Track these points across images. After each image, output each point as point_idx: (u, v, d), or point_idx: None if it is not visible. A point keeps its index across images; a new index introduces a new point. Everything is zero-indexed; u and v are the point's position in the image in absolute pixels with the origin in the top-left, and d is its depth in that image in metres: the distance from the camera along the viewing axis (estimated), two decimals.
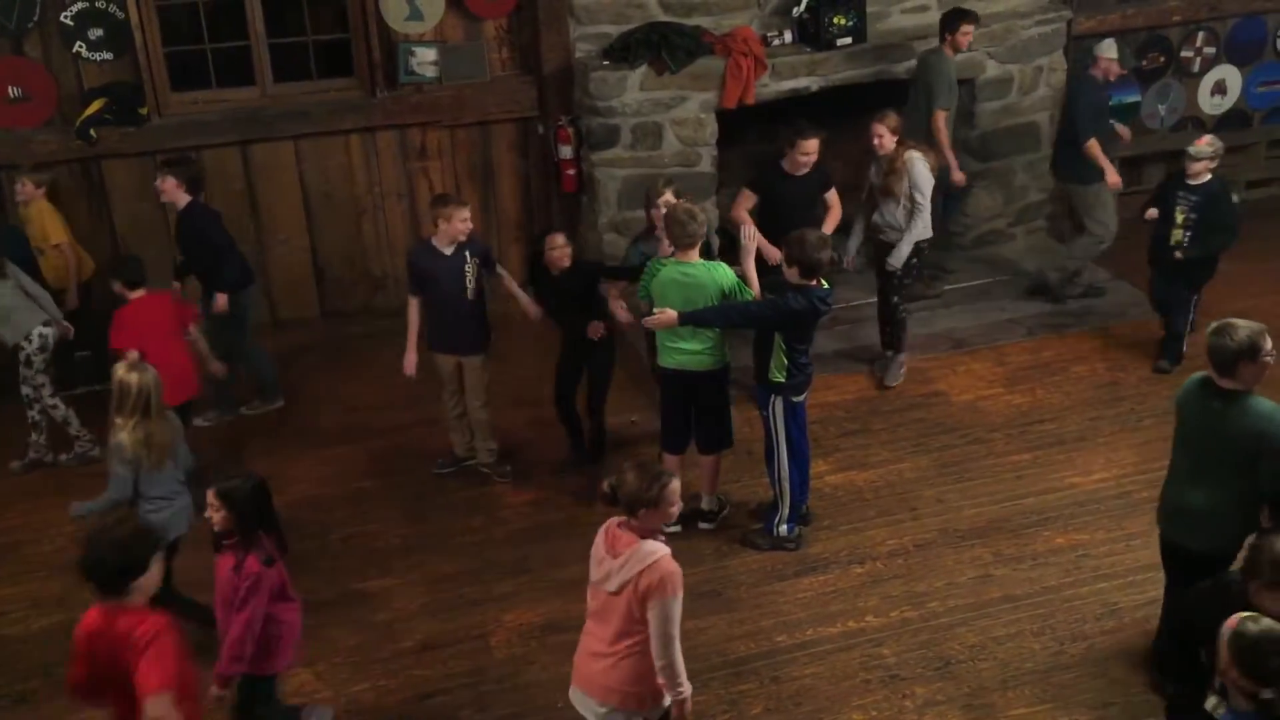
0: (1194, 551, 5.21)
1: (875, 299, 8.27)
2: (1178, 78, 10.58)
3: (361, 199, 9.09)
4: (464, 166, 9.16)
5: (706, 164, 8.79)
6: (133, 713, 4.24)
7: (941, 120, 8.53)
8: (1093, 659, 5.82)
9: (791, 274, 6.18)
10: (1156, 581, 5.78)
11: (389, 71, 8.79)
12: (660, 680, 4.46)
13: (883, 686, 5.74)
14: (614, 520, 4.54)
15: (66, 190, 8.55)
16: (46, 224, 8.04)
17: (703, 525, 6.78)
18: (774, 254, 6.92)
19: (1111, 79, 8.81)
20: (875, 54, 8.85)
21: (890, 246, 7.88)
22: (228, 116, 8.69)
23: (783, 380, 6.32)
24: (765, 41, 8.70)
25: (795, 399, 6.41)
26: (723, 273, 6.35)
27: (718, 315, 6.22)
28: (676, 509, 4.51)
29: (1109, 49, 8.70)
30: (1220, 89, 10.73)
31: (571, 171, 8.93)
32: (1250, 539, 4.71)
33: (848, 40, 8.72)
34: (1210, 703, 3.89)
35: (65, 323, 7.59)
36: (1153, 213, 8.13)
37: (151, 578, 4.30)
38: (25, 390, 7.48)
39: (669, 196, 6.99)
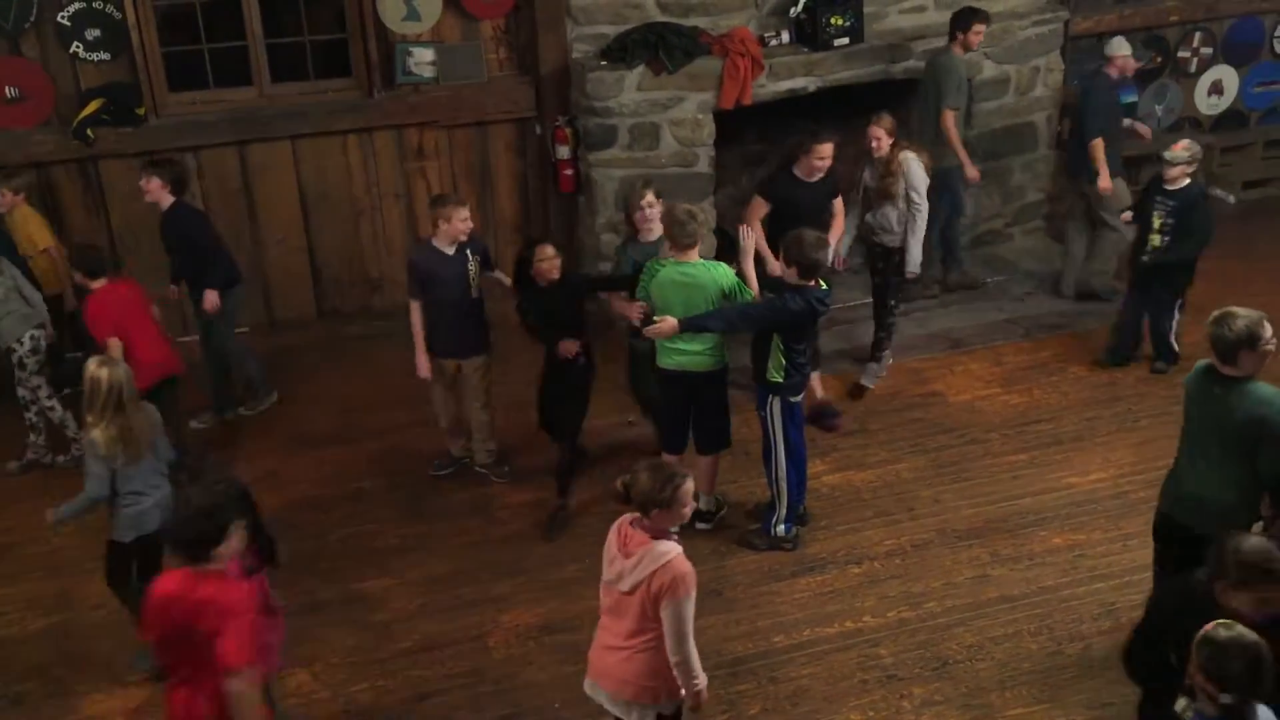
0: (1195, 533, 5.19)
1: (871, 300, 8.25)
2: (1175, 78, 10.61)
3: (359, 199, 9.08)
4: (461, 167, 9.15)
5: (704, 164, 8.78)
6: (199, 674, 4.26)
7: (951, 119, 8.55)
8: (1090, 659, 5.83)
9: (790, 275, 6.18)
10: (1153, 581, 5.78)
11: (386, 72, 8.77)
12: (676, 675, 4.51)
13: (880, 687, 5.74)
14: (626, 518, 4.55)
15: (64, 190, 8.54)
16: (31, 230, 7.90)
17: (700, 525, 6.76)
18: (776, 267, 6.82)
19: (1129, 74, 8.81)
20: (872, 54, 8.86)
21: (884, 248, 7.87)
22: (225, 117, 8.67)
23: (780, 380, 6.32)
24: (763, 42, 8.70)
25: (793, 399, 6.42)
26: (722, 273, 6.34)
27: (717, 320, 6.20)
28: (689, 510, 4.53)
29: (1121, 45, 8.70)
30: (1217, 89, 10.76)
31: (569, 172, 8.92)
32: (1257, 526, 4.72)
33: (845, 41, 8.72)
34: (1180, 704, 3.90)
35: (49, 328, 7.51)
36: (1126, 216, 8.14)
37: (232, 545, 4.34)
38: (21, 393, 7.46)
39: (650, 198, 6.95)
